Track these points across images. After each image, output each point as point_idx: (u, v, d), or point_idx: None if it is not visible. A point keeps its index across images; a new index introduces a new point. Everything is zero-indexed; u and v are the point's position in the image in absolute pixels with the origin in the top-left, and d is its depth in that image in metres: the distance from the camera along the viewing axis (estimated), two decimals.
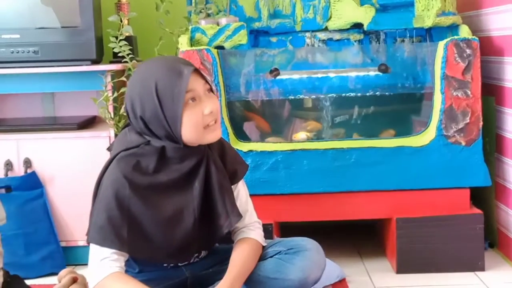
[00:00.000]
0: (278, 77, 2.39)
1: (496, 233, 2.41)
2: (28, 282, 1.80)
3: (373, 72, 2.40)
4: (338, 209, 2.26)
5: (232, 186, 1.78)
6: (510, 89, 2.22)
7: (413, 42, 2.40)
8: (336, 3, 2.37)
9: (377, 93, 2.39)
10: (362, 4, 2.36)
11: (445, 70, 2.20)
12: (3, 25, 2.44)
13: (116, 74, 2.43)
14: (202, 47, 2.25)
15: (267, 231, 2.02)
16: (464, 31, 2.28)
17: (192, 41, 2.31)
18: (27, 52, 2.41)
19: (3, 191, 2.37)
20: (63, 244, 2.41)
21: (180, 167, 1.68)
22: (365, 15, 2.33)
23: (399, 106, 2.44)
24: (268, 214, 2.17)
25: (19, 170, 2.40)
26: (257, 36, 2.45)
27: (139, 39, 2.70)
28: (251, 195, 1.87)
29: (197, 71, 1.65)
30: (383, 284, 2.15)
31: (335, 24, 2.38)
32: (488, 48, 2.34)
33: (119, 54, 2.41)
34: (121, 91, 2.35)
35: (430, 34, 2.39)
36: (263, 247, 1.81)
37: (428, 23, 2.29)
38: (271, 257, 1.78)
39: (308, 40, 2.44)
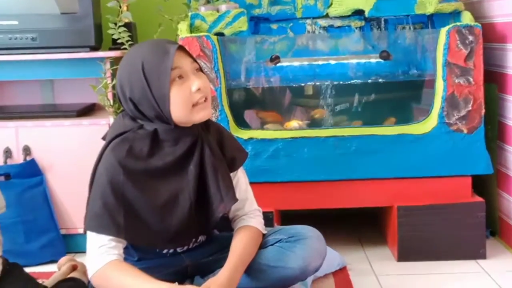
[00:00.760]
0: (278, 64, 2.37)
1: (497, 221, 2.40)
2: (28, 270, 1.80)
3: (374, 59, 2.38)
4: (339, 197, 2.26)
5: (232, 174, 1.77)
6: None
7: (414, 28, 2.38)
8: None
9: (378, 80, 2.38)
10: None
11: (447, 57, 2.19)
12: (1, 11, 2.41)
13: (115, 61, 2.41)
14: (201, 34, 2.23)
15: (268, 219, 2.01)
16: (467, 18, 2.26)
17: (192, 28, 2.29)
18: (25, 39, 2.39)
19: (2, 178, 2.36)
20: (63, 231, 2.40)
21: (174, 150, 1.67)
22: (366, 2, 2.31)
23: (400, 94, 2.43)
24: (268, 202, 2.16)
25: (18, 158, 2.39)
26: (258, 23, 2.44)
27: (139, 26, 2.68)
28: (251, 183, 1.86)
29: (183, 48, 1.65)
30: (384, 272, 2.15)
31: (336, 11, 2.36)
32: (491, 35, 2.32)
33: (118, 41, 2.40)
34: None
35: (432, 21, 2.37)
36: (264, 235, 1.80)
37: (430, 9, 2.27)
38: (271, 245, 1.78)
39: (309, 27, 2.43)
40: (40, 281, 1.77)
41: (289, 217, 2.31)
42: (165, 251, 1.76)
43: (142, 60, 1.62)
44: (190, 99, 1.63)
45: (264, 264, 1.74)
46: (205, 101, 1.66)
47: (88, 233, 1.62)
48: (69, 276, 1.86)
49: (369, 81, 2.39)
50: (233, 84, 2.35)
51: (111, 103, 2.37)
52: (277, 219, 2.27)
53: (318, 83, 2.41)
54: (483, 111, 2.20)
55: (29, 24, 2.40)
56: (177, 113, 1.62)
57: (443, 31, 2.20)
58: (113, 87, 2.37)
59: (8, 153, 2.38)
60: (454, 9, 2.27)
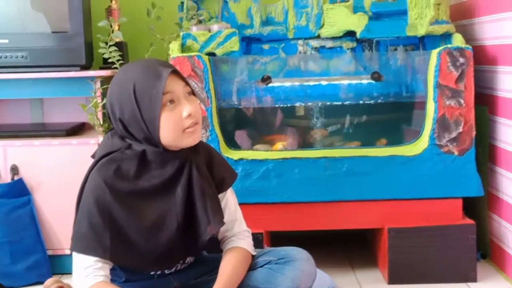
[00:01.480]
0: (270, 85, 2.37)
1: (488, 244, 2.39)
2: None
3: (365, 80, 2.38)
4: (330, 219, 2.24)
5: (221, 195, 1.76)
6: (503, 99, 2.21)
7: (406, 50, 2.39)
8: (329, 11, 2.35)
9: (370, 101, 2.38)
10: (355, 12, 2.34)
11: (438, 78, 2.19)
12: None
13: (105, 80, 2.40)
14: (193, 54, 2.22)
15: (258, 240, 1.99)
16: (458, 40, 2.27)
17: (183, 48, 2.29)
18: (15, 57, 2.38)
19: None
20: (50, 252, 2.37)
21: (162, 173, 1.66)
22: (358, 23, 2.31)
23: (391, 115, 2.43)
24: (258, 223, 2.15)
25: (6, 177, 2.36)
26: (249, 43, 2.44)
27: (130, 45, 2.68)
28: (241, 204, 1.84)
29: (176, 72, 1.64)
30: None
31: (327, 32, 2.37)
32: (482, 57, 2.33)
33: (109, 60, 2.39)
34: None
35: (423, 43, 2.38)
36: (253, 256, 1.79)
37: (421, 31, 2.28)
38: (261, 266, 1.76)
39: (300, 48, 2.43)
40: None
41: (279, 239, 2.29)
42: (152, 272, 1.74)
43: (134, 82, 1.60)
44: (180, 125, 1.62)
45: (253, 286, 1.72)
46: (195, 125, 1.64)
47: (74, 254, 1.60)
48: None
49: (360, 102, 2.39)
50: (224, 104, 2.35)
51: (101, 122, 2.36)
52: (267, 240, 2.25)
53: (309, 104, 2.41)
54: (474, 133, 2.20)
55: (20, 43, 2.39)
56: (167, 137, 1.61)
57: (434, 53, 2.21)
58: (103, 106, 2.36)
59: None
60: (445, 31, 2.28)
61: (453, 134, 2.19)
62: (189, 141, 1.65)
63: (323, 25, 2.38)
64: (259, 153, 2.25)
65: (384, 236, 2.23)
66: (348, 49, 2.42)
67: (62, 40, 2.40)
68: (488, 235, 2.38)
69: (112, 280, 1.63)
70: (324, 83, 2.40)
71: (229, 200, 1.79)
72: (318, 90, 2.40)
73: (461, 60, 2.18)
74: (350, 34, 2.37)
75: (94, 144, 2.35)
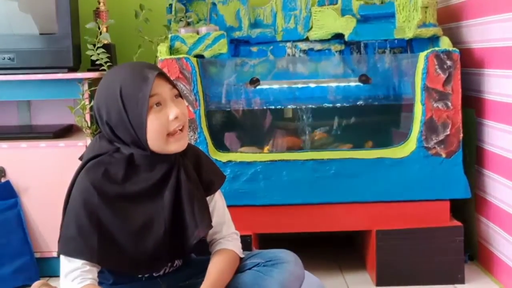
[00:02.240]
0: (258, 87, 2.37)
1: (476, 245, 2.40)
2: None
3: (353, 83, 2.39)
4: (318, 221, 2.24)
5: (209, 198, 1.75)
6: (490, 101, 2.22)
7: (394, 53, 2.40)
8: (317, 14, 2.36)
9: (357, 103, 2.38)
10: (343, 15, 2.35)
11: (425, 81, 2.20)
12: None
13: (93, 82, 2.39)
14: (181, 56, 2.22)
15: (246, 243, 1.99)
16: (445, 43, 2.28)
17: (172, 50, 2.28)
18: (2, 59, 2.37)
19: None
20: (37, 255, 2.36)
21: (149, 176, 1.65)
22: (346, 26, 2.32)
23: (379, 117, 2.43)
24: (247, 226, 2.14)
25: None
26: (238, 46, 2.44)
27: (118, 47, 2.67)
28: (229, 206, 1.84)
29: (163, 75, 1.63)
30: None
31: (316, 34, 2.37)
32: (469, 60, 2.34)
33: (97, 62, 2.38)
34: None
35: (411, 46, 2.39)
36: (241, 258, 1.78)
37: (409, 34, 2.29)
38: (249, 269, 1.75)
39: (289, 50, 2.43)
40: None
41: (268, 241, 2.29)
42: (140, 275, 1.73)
43: (120, 85, 1.60)
44: (166, 127, 1.61)
45: None
46: (181, 130, 1.64)
47: (62, 257, 1.59)
48: None
49: (349, 104, 2.39)
50: (212, 107, 2.34)
51: (89, 124, 2.35)
52: (255, 242, 2.25)
53: (297, 106, 2.41)
54: (461, 135, 2.21)
55: (7, 44, 2.38)
56: (153, 141, 1.60)
57: (422, 55, 2.21)
58: (91, 108, 2.35)
59: None
60: (433, 34, 2.29)
61: (441, 137, 2.20)
62: (174, 147, 1.64)
63: (311, 27, 2.39)
64: (247, 155, 2.25)
65: (372, 238, 2.23)
66: (336, 51, 2.43)
67: (49, 41, 2.39)
68: (476, 237, 2.39)
69: (100, 283, 1.62)
70: (312, 85, 2.41)
71: (218, 202, 1.79)
72: (306, 93, 2.41)
73: (449, 63, 2.19)
74: (338, 36, 2.37)
75: (82, 146, 2.34)
